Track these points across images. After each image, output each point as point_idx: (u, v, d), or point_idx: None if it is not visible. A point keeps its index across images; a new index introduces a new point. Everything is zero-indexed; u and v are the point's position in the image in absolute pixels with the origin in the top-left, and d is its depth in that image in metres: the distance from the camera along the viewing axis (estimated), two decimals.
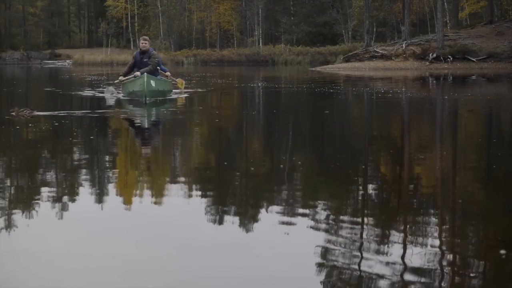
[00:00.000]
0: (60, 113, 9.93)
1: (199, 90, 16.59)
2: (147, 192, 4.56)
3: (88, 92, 15.86)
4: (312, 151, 6.80)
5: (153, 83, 12.18)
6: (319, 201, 4.26)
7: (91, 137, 7.58)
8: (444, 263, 3.00)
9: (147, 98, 11.94)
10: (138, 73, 12.72)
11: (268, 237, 3.41)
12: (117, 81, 13.86)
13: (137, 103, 11.97)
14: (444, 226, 3.63)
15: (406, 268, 2.91)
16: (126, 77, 13.31)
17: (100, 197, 4.38)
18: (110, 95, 13.89)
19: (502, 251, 3.12)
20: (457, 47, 33.91)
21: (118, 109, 11.61)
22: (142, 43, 13.20)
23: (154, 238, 3.36)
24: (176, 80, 15.70)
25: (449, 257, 3.10)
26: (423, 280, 2.78)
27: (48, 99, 14.97)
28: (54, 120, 8.90)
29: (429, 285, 2.74)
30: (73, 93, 16.00)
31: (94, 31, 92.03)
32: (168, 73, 14.12)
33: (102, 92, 14.98)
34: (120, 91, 14.03)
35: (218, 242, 3.32)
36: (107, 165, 5.70)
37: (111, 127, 8.94)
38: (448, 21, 47.50)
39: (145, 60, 12.93)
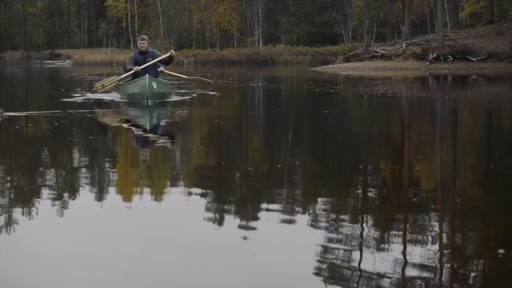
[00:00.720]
0: (33, 113, 10.00)
1: (203, 92, 15.34)
2: (146, 193, 4.57)
3: (78, 93, 15.36)
4: (311, 151, 6.79)
5: (154, 85, 11.46)
6: (318, 201, 4.26)
7: (68, 139, 7.58)
8: (444, 263, 3.01)
9: (148, 101, 11.34)
10: (137, 67, 11.88)
11: (267, 237, 3.41)
12: (133, 71, 12.08)
13: (137, 105, 11.39)
14: (444, 226, 3.64)
15: (406, 268, 2.91)
16: (137, 68, 12.05)
17: (99, 197, 4.39)
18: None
19: (502, 251, 3.12)
20: (457, 47, 33.91)
21: (116, 110, 11.44)
22: (141, 43, 12.24)
23: (153, 238, 3.37)
24: (199, 79, 14.00)
25: (449, 257, 3.10)
26: (423, 279, 2.78)
27: (36, 100, 14.97)
28: (28, 121, 8.95)
29: (429, 285, 2.74)
30: (71, 94, 15.97)
31: (94, 31, 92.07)
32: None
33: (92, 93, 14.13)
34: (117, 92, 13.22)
35: (217, 242, 3.32)
36: (107, 166, 5.70)
37: (108, 127, 8.94)
38: (448, 21, 47.50)
39: (148, 60, 12.02)
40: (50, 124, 8.58)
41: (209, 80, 14.12)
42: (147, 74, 11.42)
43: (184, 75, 13.96)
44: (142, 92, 11.38)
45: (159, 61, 12.08)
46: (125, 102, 12.11)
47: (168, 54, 12.15)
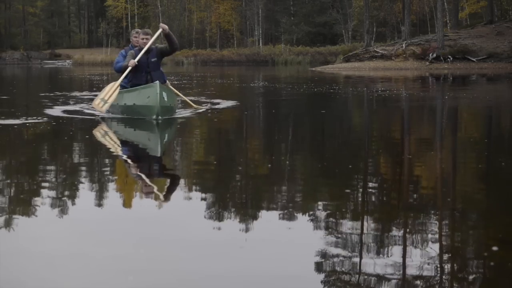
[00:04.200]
0: None
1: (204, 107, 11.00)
2: (146, 193, 4.57)
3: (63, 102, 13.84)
4: (310, 151, 6.80)
5: (165, 96, 8.46)
6: (317, 201, 4.26)
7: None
8: (444, 263, 3.01)
9: (159, 117, 8.32)
10: (165, 25, 8.99)
11: (267, 237, 3.41)
12: (130, 68, 9.11)
13: (139, 123, 8.41)
14: (443, 226, 3.64)
15: (406, 268, 2.91)
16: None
17: (99, 198, 4.39)
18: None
19: (502, 251, 3.12)
20: (457, 47, 33.92)
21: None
22: (143, 38, 9.17)
23: (153, 238, 3.37)
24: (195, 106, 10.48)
25: (449, 257, 3.10)
26: (423, 279, 2.78)
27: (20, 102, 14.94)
28: None
29: (430, 285, 2.74)
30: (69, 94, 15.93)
31: (94, 31, 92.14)
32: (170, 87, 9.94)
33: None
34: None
35: (217, 242, 3.32)
36: (107, 167, 5.71)
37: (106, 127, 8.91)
38: (448, 21, 47.51)
39: (152, 60, 9.18)
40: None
41: (202, 108, 10.61)
42: (157, 81, 8.51)
43: (181, 94, 10.57)
44: (150, 106, 8.35)
45: (161, 52, 9.24)
46: (119, 118, 9.09)
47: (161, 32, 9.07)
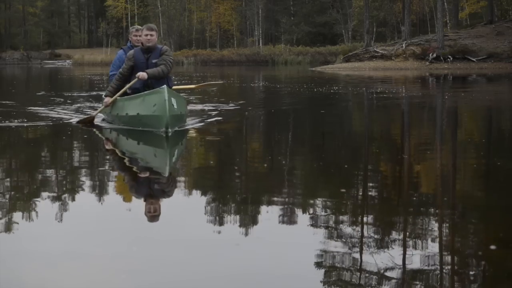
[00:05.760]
0: None
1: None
2: (146, 193, 4.58)
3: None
4: (310, 151, 6.80)
5: (174, 102, 7.15)
6: (317, 201, 4.26)
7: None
8: (444, 263, 3.01)
9: (169, 129, 7.07)
10: (143, 73, 7.54)
11: (266, 237, 3.41)
12: (102, 107, 8.21)
13: (137, 135, 7.33)
14: (443, 226, 3.64)
15: (406, 268, 2.92)
16: (115, 96, 7.88)
17: (98, 198, 4.39)
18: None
19: (502, 251, 3.12)
20: (457, 47, 33.93)
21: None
22: (146, 35, 7.69)
23: (153, 238, 3.37)
24: (208, 84, 11.36)
25: (449, 257, 3.10)
26: (423, 279, 2.78)
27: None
28: None
29: (429, 284, 2.74)
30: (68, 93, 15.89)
31: (94, 31, 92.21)
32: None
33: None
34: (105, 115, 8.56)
35: (216, 242, 3.32)
36: (107, 166, 5.71)
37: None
38: (448, 21, 47.51)
39: (153, 61, 7.68)
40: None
41: (219, 82, 10.15)
42: (164, 86, 7.21)
43: (186, 85, 9.61)
44: (158, 116, 7.08)
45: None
46: (117, 129, 7.85)
47: (161, 69, 7.67)
